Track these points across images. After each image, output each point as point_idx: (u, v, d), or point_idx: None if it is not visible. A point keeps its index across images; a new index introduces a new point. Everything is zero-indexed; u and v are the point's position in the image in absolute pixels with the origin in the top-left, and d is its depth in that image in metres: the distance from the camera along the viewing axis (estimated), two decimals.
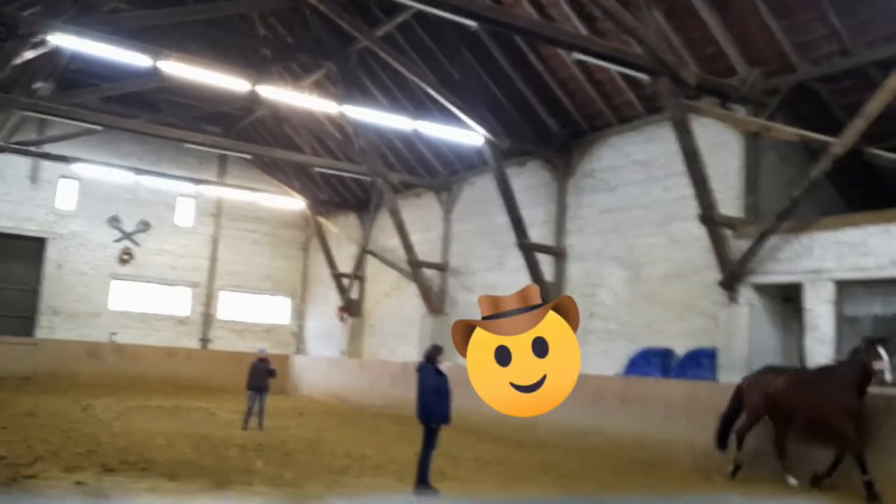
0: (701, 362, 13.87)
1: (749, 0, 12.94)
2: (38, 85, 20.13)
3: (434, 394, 8.63)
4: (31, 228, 25.62)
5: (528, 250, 17.43)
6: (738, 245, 13.38)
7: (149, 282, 27.43)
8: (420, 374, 8.84)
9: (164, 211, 27.78)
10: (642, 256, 16.00)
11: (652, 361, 14.67)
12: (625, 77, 15.25)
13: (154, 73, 18.09)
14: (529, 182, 18.90)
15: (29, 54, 16.77)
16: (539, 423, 15.53)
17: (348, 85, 19.81)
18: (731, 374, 13.00)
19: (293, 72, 22.40)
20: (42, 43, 16.31)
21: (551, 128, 18.11)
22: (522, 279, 18.04)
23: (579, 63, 15.23)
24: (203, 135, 22.81)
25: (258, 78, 17.69)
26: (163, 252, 27.58)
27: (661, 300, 15.44)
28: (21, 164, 24.89)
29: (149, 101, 23.74)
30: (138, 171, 24.57)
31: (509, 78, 17.55)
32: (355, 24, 17.11)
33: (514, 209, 17.47)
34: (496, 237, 19.79)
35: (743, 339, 13.07)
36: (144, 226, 27.03)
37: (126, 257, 26.76)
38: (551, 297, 15.00)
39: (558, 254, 17.93)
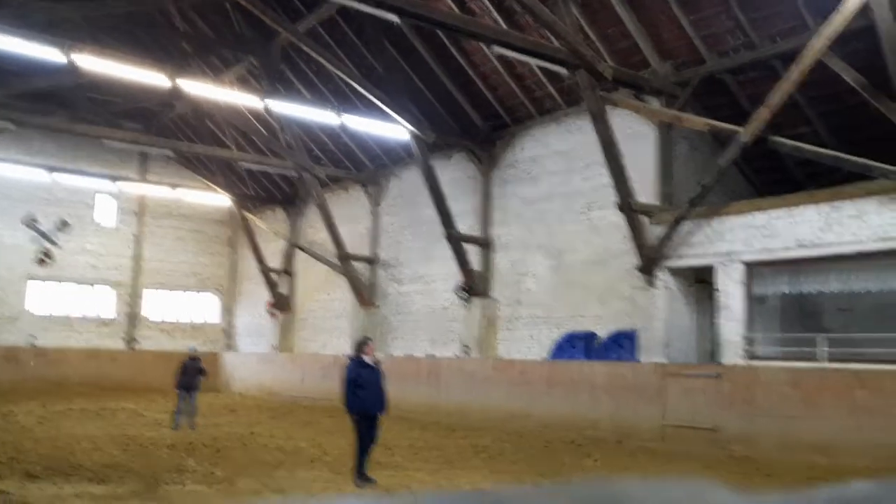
0: (622, 344, 14.45)
1: None
2: None
3: (352, 384, 8.81)
4: None
5: (456, 241, 17.73)
6: (654, 231, 13.99)
7: (70, 283, 26.60)
8: (347, 366, 9.03)
9: (84, 210, 26.96)
10: (564, 244, 16.52)
11: (576, 345, 15.20)
12: (544, 70, 15.67)
13: (69, 69, 17.58)
14: (455, 174, 19.21)
15: None
16: (468, 409, 15.93)
17: (272, 79, 19.66)
18: (650, 355, 13.62)
19: (215, 66, 22.06)
20: None
21: (475, 121, 18.44)
22: (451, 269, 18.38)
23: (500, 57, 15.56)
24: (122, 131, 22.25)
25: (178, 73, 17.41)
26: (84, 252, 26.77)
27: (583, 286, 15.99)
28: None
29: (64, 97, 22.97)
30: (54, 169, 23.78)
31: (433, 72, 17.78)
32: (277, 19, 17.00)
33: (441, 201, 17.73)
34: (424, 229, 20.05)
35: (660, 321, 13.70)
36: (63, 225, 26.17)
37: (45, 258, 25.87)
38: (480, 286, 15.37)
39: (485, 244, 18.30)
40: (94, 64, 16.22)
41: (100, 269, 27.15)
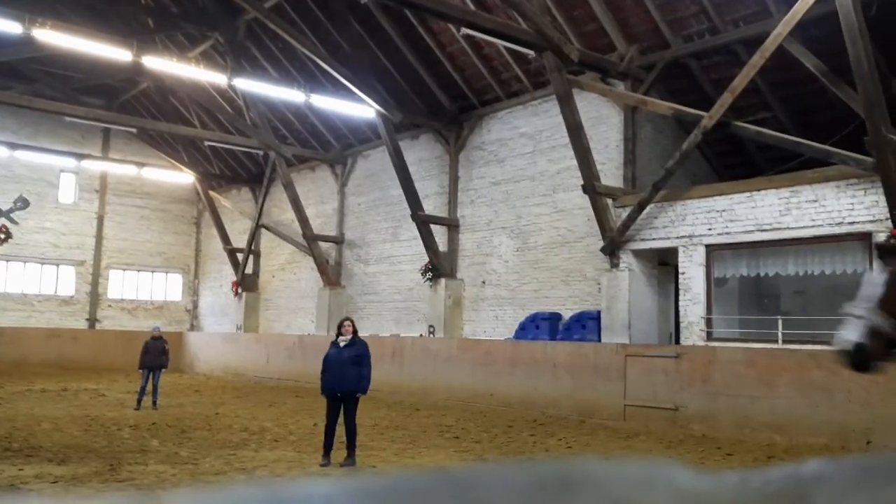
0: (586, 325, 14.65)
1: None
2: None
3: (324, 365, 8.89)
4: None
5: (422, 222, 17.75)
6: (618, 214, 14.16)
7: (29, 261, 26.11)
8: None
9: (45, 187, 26.42)
10: (530, 226, 16.64)
11: (541, 325, 15.37)
12: (511, 52, 15.68)
13: (27, 42, 17.16)
14: (422, 155, 19.19)
15: None
16: (432, 388, 16.05)
17: (237, 56, 19.40)
18: (612, 335, 13.83)
19: (179, 43, 21.68)
20: None
21: (442, 101, 18.41)
22: (417, 250, 18.42)
23: (468, 38, 15.53)
24: (84, 108, 21.76)
25: (141, 48, 17.10)
26: (44, 230, 26.28)
27: (548, 267, 16.15)
28: None
29: (22, 71, 22.41)
30: (13, 145, 23.25)
31: (400, 51, 17.69)
32: None
33: (407, 182, 17.72)
34: (391, 209, 20.03)
35: (623, 302, 13.91)
36: (23, 203, 25.61)
37: (2, 236, 25.31)
38: (445, 267, 15.40)
39: (451, 225, 18.36)
40: (54, 38, 15.87)
41: (60, 249, 26.69)
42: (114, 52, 16.87)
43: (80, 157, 25.07)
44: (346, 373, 8.81)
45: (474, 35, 13.90)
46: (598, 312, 14.49)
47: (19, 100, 20.49)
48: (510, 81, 17.07)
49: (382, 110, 17.28)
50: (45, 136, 25.15)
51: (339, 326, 9.25)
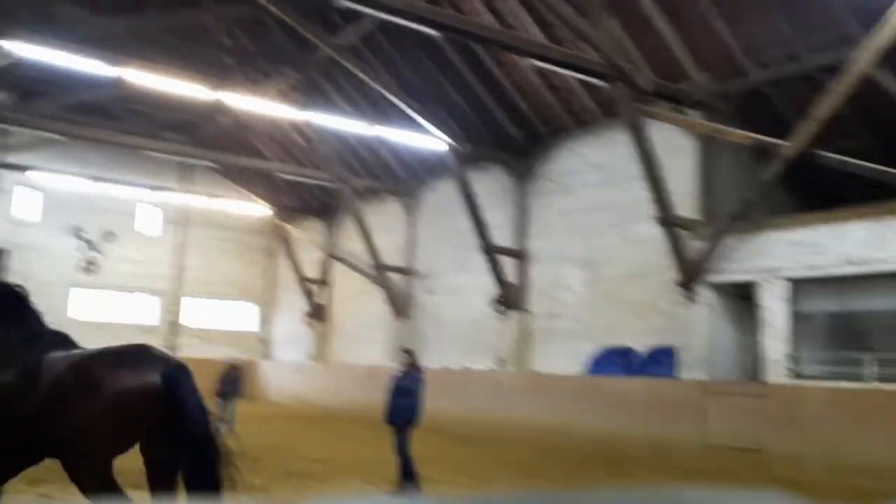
0: (661, 360, 14.23)
1: (699, 6, 13.34)
2: None
3: (390, 395, 8.96)
4: None
5: (491, 253, 17.68)
6: (694, 245, 13.77)
7: (113, 290, 27.12)
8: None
9: (128, 219, 27.50)
10: (601, 257, 16.35)
11: (613, 360, 15.01)
12: (581, 82, 15.58)
13: (115, 82, 18.01)
14: (491, 186, 19.17)
15: None
16: (502, 422, 15.80)
17: (311, 92, 19.89)
18: (690, 372, 13.38)
19: (255, 79, 22.37)
20: (1, 52, 16.13)
21: (511, 133, 18.40)
22: (486, 281, 18.32)
23: (537, 69, 15.53)
24: (165, 143, 22.67)
25: (220, 86, 17.71)
26: (127, 261, 27.28)
27: (620, 300, 15.80)
28: None
29: (110, 110, 23.51)
30: (100, 179, 24.32)
31: (469, 84, 17.81)
32: (316, 33, 17.19)
33: (476, 213, 17.71)
34: (460, 241, 20.03)
35: (702, 337, 13.45)
36: (108, 235, 26.72)
37: (90, 266, 26.43)
38: (515, 299, 15.27)
39: (520, 256, 18.21)
40: (140, 77, 16.61)
41: (142, 278, 27.64)
42: (195, 90, 17.55)
43: (162, 189, 26.04)
44: (399, 403, 8.89)
45: (544, 67, 13.89)
46: (674, 348, 14.06)
47: (107, 136, 21.50)
48: (579, 111, 16.95)
49: (452, 142, 17.39)
50: (128, 170, 26.19)
51: (401, 356, 9.38)
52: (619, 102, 13.64)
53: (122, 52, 16.76)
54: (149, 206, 27.88)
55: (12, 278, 25.39)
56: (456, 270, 20.44)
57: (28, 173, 23.38)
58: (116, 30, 17.02)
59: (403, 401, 8.84)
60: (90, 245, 26.48)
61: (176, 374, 4.96)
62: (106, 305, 27.09)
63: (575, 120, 17.15)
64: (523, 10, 15.28)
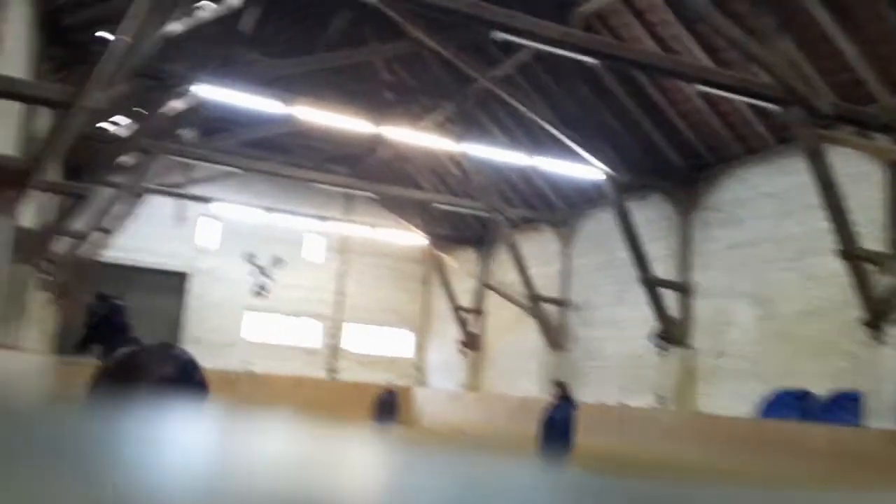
0: (844, 406, 12.99)
1: (887, 24, 12.26)
2: (182, 132, 21.77)
3: (542, 426, 8.96)
4: (174, 264, 27.47)
5: (652, 285, 17.02)
6: (882, 281, 12.53)
7: (281, 314, 28.73)
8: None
9: (296, 248, 29.11)
10: (775, 293, 15.26)
11: (789, 404, 13.88)
12: (752, 107, 14.74)
13: (286, 119, 19.21)
14: (651, 216, 18.51)
15: (175, 104, 18.18)
16: (661, 462, 15.01)
17: (467, 123, 20.20)
18: (879, 420, 12.11)
19: (414, 113, 23.05)
20: (187, 93, 17.67)
21: (673, 160, 17.71)
22: (645, 315, 17.63)
23: (703, 95, 14.88)
24: (331, 175, 23.83)
25: (381, 120, 18.40)
26: (294, 286, 28.83)
27: (796, 339, 14.64)
28: (167, 204, 26.79)
29: (281, 144, 25.06)
30: (271, 209, 25.94)
31: (629, 111, 17.36)
32: (473, 66, 17.48)
33: (635, 244, 17.14)
34: (617, 272, 19.45)
35: (891, 383, 12.17)
36: (278, 261, 28.40)
37: (262, 291, 28.20)
38: (677, 334, 14.50)
39: (683, 289, 17.39)
40: (308, 114, 17.62)
41: (307, 303, 29.09)
42: (358, 125, 18.36)
43: (326, 219, 27.37)
44: (551, 435, 8.83)
45: (711, 92, 13.27)
46: (859, 392, 12.79)
47: (278, 169, 22.93)
48: (750, 137, 16.04)
49: (610, 171, 16.99)
50: (296, 201, 27.72)
51: (554, 389, 9.38)
52: (795, 128, 12.75)
53: (293, 90, 17.83)
54: (314, 235, 29.37)
55: (192, 300, 27.56)
56: (613, 303, 19.85)
57: (210, 204, 25.36)
58: (288, 70, 18.10)
59: (555, 433, 8.82)
60: (262, 271, 28.25)
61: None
62: (274, 328, 28.71)
63: (745, 147, 16.24)
64: (688, 35, 14.73)
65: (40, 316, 17.36)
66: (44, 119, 14.28)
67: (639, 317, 18.40)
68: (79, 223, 18.43)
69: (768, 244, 15.55)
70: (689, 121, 16.75)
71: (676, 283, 17.47)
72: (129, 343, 5.56)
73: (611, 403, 18.24)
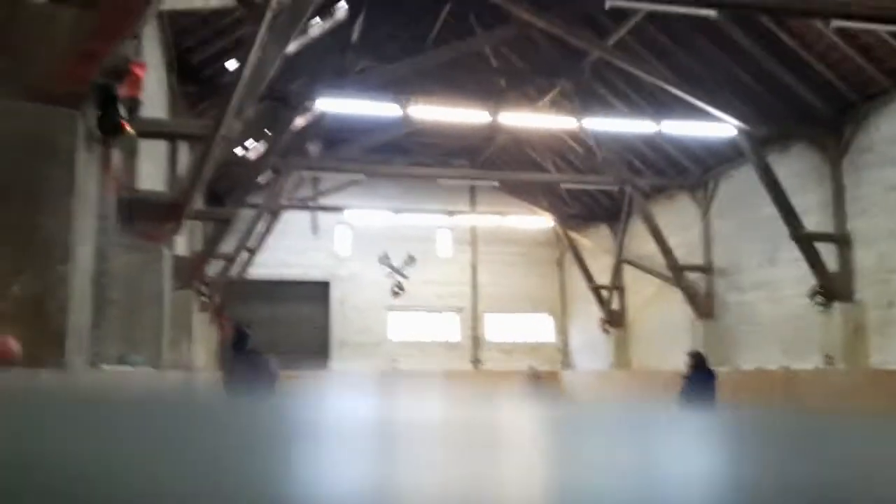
0: None
1: None
2: (308, 147, 22.63)
3: (681, 400, 8.74)
4: (315, 274, 28.64)
5: (805, 241, 15.98)
6: None
7: (419, 311, 29.32)
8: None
9: (426, 244, 29.59)
10: None
11: None
12: None
13: (403, 120, 19.52)
14: (795, 167, 17.38)
15: (299, 121, 18.92)
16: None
17: (585, 98, 19.74)
18: None
19: (529, 95, 22.79)
20: (309, 109, 18.33)
21: (814, 105, 16.51)
22: (801, 272, 16.60)
23: (839, 31, 13.75)
24: (452, 169, 24.03)
25: (497, 107, 18.31)
26: (429, 282, 29.34)
27: None
28: (302, 217, 27.96)
29: (401, 145, 25.54)
30: (399, 210, 26.50)
31: (757, 61, 16.32)
32: (584, 38, 17.04)
33: (782, 198, 16.16)
34: (764, 231, 18.41)
35: None
36: (410, 260, 29.00)
37: (398, 290, 28.91)
38: (839, 289, 13.57)
39: (840, 241, 16.21)
40: (424, 112, 17.81)
41: (444, 297, 29.54)
42: (473, 116, 18.37)
43: (452, 213, 27.64)
44: (690, 408, 8.56)
45: (849, 27, 12.25)
46: None
47: (401, 170, 23.38)
48: None
49: (744, 126, 16.09)
50: (423, 199, 28.17)
51: (690, 359, 9.36)
52: None
53: (407, 91, 18.08)
54: (443, 230, 29.76)
55: (335, 306, 28.57)
56: (763, 263, 18.81)
57: (341, 213, 26.22)
58: (400, 73, 18.35)
59: (695, 405, 8.59)
60: (396, 271, 28.94)
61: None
62: (416, 325, 29.36)
63: (893, 80, 14.90)
64: None
65: (203, 335, 18.58)
66: (182, 152, 15.23)
67: (793, 275, 17.35)
68: (226, 246, 19.55)
69: None
70: (826, 60, 15.54)
71: (832, 234, 16.31)
72: (250, 355, 8.78)
73: (772, 368, 17.32)
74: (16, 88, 4.76)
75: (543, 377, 15.46)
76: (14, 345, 4.21)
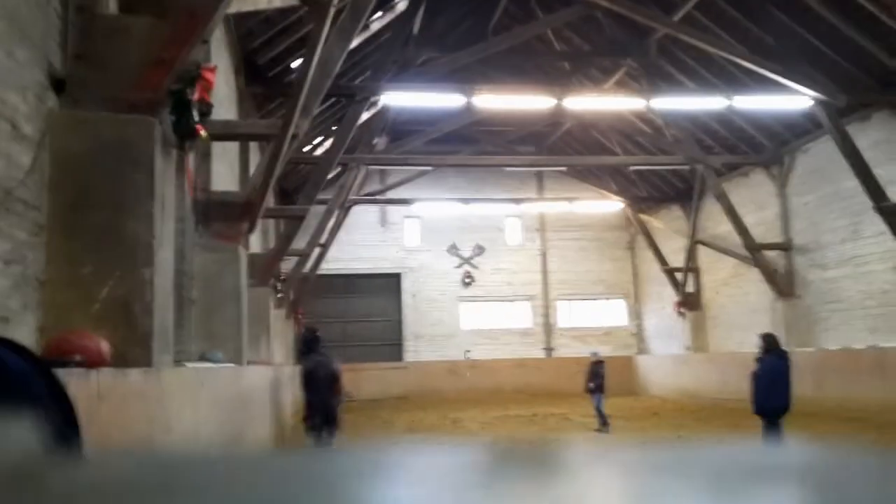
0: None
1: None
2: (375, 141, 22.86)
3: (754, 383, 8.54)
4: (386, 266, 28.99)
5: (890, 213, 15.28)
6: None
7: (490, 300, 29.34)
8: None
9: (494, 233, 29.58)
10: None
11: None
12: None
13: (468, 109, 19.50)
14: (877, 136, 16.61)
15: (365, 116, 19.11)
16: None
17: (652, 77, 19.33)
18: None
19: (594, 77, 22.46)
20: (374, 104, 18.51)
21: (894, 71, 15.73)
22: (888, 246, 15.91)
23: None
24: (519, 157, 23.88)
25: (561, 91, 18.09)
26: (499, 271, 29.34)
27: None
28: (371, 211, 28.32)
29: (467, 135, 25.50)
30: (466, 200, 26.54)
31: (833, 28, 15.64)
32: (650, 15, 16.66)
33: (864, 170, 15.48)
34: (846, 204, 17.69)
35: None
36: (479, 249, 29.04)
37: (468, 280, 29.00)
38: None
39: None
40: (489, 100, 17.75)
41: (515, 285, 29.49)
42: (538, 102, 18.20)
43: (520, 201, 27.50)
44: (764, 391, 8.43)
45: None
46: None
47: (468, 160, 23.37)
48: None
49: (821, 96, 15.47)
50: (490, 188, 28.15)
51: (763, 341, 8.83)
52: None
53: (471, 80, 18.07)
54: (511, 218, 29.66)
55: (407, 298, 28.89)
56: (847, 238, 18.07)
57: (410, 205, 26.43)
58: (463, 62, 18.29)
59: (769, 389, 8.37)
60: (466, 261, 29.02)
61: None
62: (488, 314, 29.41)
63: None
64: None
65: (280, 331, 19.05)
66: (253, 152, 15.62)
67: (879, 249, 16.63)
68: (299, 242, 19.96)
69: None
70: None
71: None
72: (316, 356, 9.79)
73: (860, 347, 16.67)
74: (96, 98, 4.98)
75: (604, 362, 15.22)
76: (106, 347, 4.41)
